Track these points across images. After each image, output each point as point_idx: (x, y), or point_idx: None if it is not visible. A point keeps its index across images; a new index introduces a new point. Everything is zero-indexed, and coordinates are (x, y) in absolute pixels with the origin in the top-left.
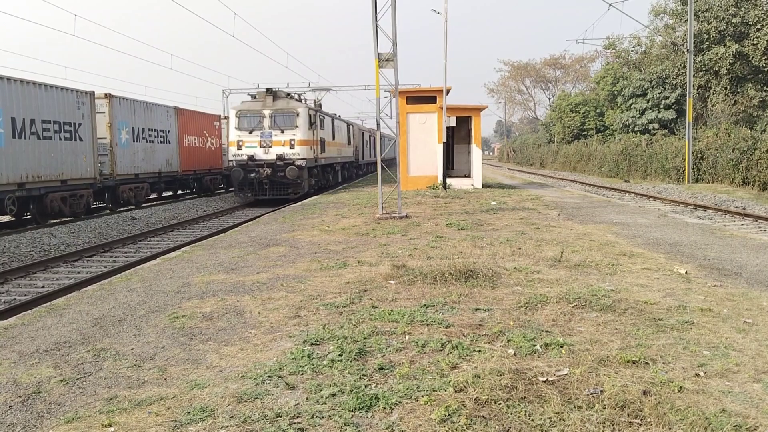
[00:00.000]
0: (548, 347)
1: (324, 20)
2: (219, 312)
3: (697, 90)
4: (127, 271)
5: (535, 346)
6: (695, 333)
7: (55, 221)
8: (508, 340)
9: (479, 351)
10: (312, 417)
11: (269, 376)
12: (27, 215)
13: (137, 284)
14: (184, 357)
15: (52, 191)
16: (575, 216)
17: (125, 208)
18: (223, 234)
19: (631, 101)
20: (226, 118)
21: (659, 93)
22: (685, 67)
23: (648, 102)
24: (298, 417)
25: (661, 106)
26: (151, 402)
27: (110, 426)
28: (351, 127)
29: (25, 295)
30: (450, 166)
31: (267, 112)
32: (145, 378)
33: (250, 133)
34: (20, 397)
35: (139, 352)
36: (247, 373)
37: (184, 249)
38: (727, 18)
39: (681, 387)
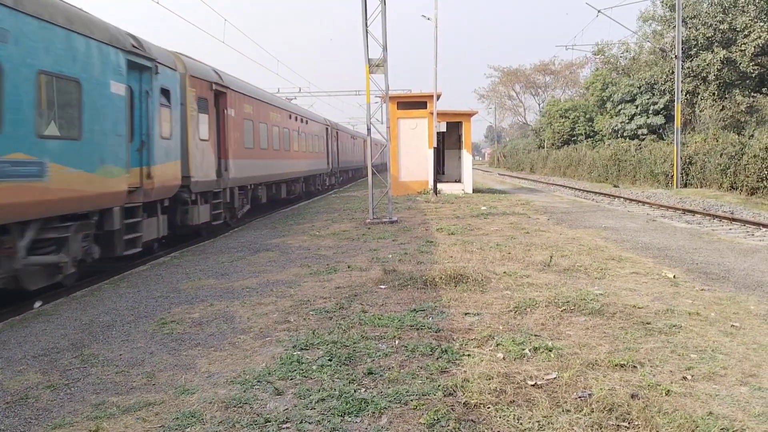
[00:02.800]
0: (537, 351)
1: (314, 26)
2: (208, 317)
3: (686, 96)
4: (115, 277)
5: (524, 350)
6: (683, 336)
7: None
8: (498, 344)
9: (468, 355)
10: (301, 422)
11: (258, 382)
12: None
13: (126, 290)
14: (173, 362)
15: None
16: (565, 221)
17: None
18: (213, 239)
19: (620, 107)
20: None
21: (648, 99)
22: (673, 73)
23: (637, 108)
24: (287, 422)
25: (650, 112)
26: (139, 408)
27: None
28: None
29: None
30: (441, 172)
31: None
32: (133, 384)
33: None
34: (7, 403)
35: (128, 358)
36: (236, 378)
37: (173, 254)
38: (715, 24)
39: (669, 390)
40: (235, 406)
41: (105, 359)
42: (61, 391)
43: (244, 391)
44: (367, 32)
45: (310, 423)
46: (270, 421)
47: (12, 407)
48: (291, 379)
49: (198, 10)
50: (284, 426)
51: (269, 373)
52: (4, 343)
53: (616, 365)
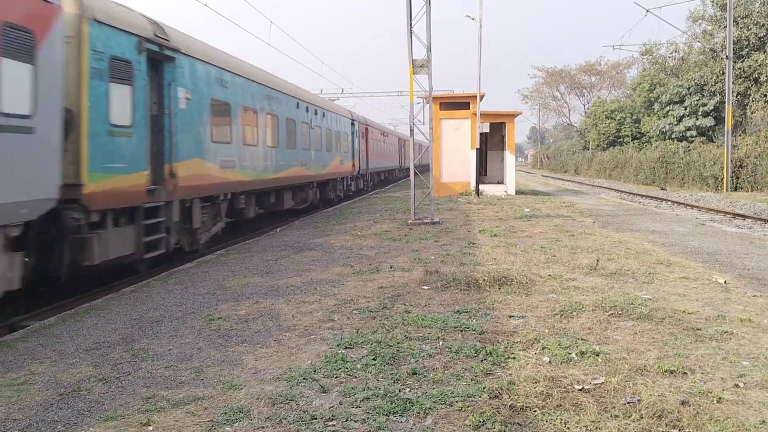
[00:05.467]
0: (584, 355)
1: (357, 27)
2: (254, 314)
3: (736, 97)
4: (163, 274)
5: (570, 354)
6: (734, 343)
7: None
8: (543, 348)
9: (514, 358)
10: (346, 420)
11: (304, 379)
12: None
13: (174, 286)
14: (220, 358)
15: None
16: (611, 224)
17: None
18: (257, 238)
19: (668, 108)
20: None
21: (697, 100)
22: (723, 73)
23: (686, 109)
24: (332, 420)
25: (699, 114)
26: (188, 402)
27: (148, 425)
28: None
29: None
30: (483, 173)
31: None
32: (182, 378)
33: None
34: (61, 395)
35: (177, 353)
36: (282, 375)
37: (219, 252)
38: (767, 24)
39: (720, 397)
40: (281, 403)
41: (154, 354)
42: (113, 384)
43: (290, 388)
44: (411, 33)
45: (355, 421)
46: (316, 418)
47: (65, 399)
48: (336, 377)
49: (244, 13)
50: (330, 423)
51: (314, 371)
52: (57, 337)
53: (665, 371)
